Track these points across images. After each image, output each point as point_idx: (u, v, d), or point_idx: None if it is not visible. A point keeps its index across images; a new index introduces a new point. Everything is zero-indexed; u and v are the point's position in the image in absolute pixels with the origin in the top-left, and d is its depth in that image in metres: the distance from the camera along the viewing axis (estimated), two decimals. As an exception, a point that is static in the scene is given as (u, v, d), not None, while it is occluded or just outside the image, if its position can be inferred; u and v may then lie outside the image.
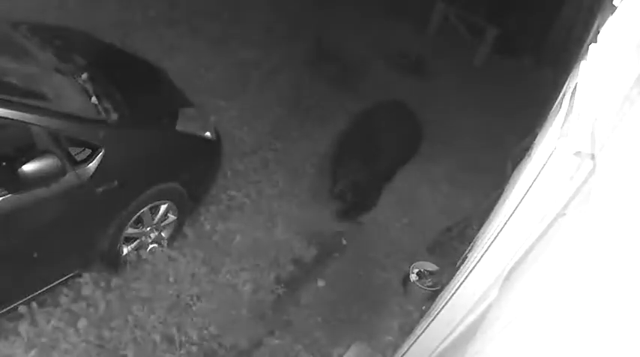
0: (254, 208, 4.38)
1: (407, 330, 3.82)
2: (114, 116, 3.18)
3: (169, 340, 3.30)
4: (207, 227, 4.06)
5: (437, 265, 4.19)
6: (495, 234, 2.40)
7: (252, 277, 3.83)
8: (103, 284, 3.45)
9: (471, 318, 2.12)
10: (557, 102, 3.46)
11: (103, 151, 2.98)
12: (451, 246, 4.47)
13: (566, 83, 3.36)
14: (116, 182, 3.08)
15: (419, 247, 4.55)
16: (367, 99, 6.10)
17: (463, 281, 2.49)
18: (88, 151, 2.99)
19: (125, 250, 3.53)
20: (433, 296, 3.93)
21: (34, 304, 3.13)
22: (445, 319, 2.53)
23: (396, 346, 3.62)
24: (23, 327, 3.07)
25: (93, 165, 2.95)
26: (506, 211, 2.52)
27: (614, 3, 2.28)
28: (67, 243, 3.15)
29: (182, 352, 3.28)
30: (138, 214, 3.40)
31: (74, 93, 3.14)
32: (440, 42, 8.02)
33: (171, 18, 6.21)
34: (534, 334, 1.16)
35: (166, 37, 5.85)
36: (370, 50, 7.04)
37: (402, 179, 5.23)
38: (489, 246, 2.38)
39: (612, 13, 2.25)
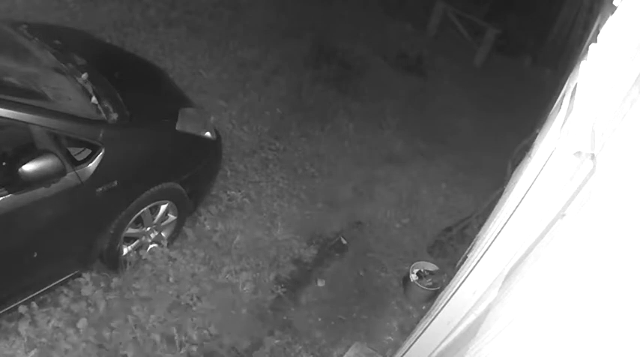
0: (254, 208, 4.38)
1: (407, 330, 3.82)
2: (114, 116, 3.17)
3: (169, 340, 3.30)
4: (207, 227, 4.06)
5: (437, 265, 4.19)
6: (495, 234, 2.40)
7: (252, 277, 3.83)
8: (103, 284, 3.45)
9: (471, 318, 2.13)
10: (557, 102, 3.47)
11: (103, 151, 2.98)
12: (451, 246, 4.48)
13: (566, 83, 3.37)
14: (116, 182, 3.08)
15: (419, 247, 4.55)
16: (367, 99, 6.13)
17: (463, 281, 2.49)
18: (88, 151, 2.99)
19: (125, 250, 3.53)
20: (433, 296, 3.93)
21: (34, 304, 3.13)
22: (445, 319, 2.53)
23: (396, 346, 3.62)
24: (23, 327, 3.07)
25: (93, 165, 2.95)
26: (506, 212, 2.52)
27: (614, 3, 2.28)
28: (67, 243, 3.15)
29: (182, 352, 3.28)
30: (138, 214, 3.39)
31: (74, 93, 3.14)
32: (440, 42, 8.03)
33: (171, 18, 6.21)
34: (534, 334, 1.16)
35: (166, 37, 5.86)
36: (370, 50, 7.04)
37: (402, 179, 5.23)
38: (489, 246, 2.38)
39: (612, 13, 2.25)
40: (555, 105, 3.47)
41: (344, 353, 3.57)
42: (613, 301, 0.94)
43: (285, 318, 3.74)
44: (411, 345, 2.89)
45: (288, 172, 4.85)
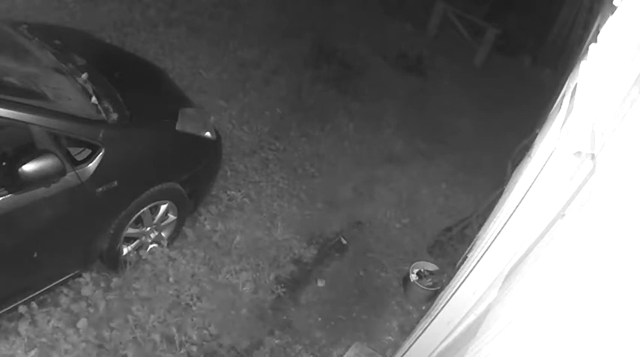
0: (254, 208, 4.38)
1: (407, 330, 3.83)
2: (114, 116, 3.17)
3: (169, 340, 3.30)
4: (207, 227, 4.06)
5: (437, 265, 4.19)
6: (495, 234, 2.40)
7: (252, 277, 3.83)
8: (103, 284, 3.45)
9: (471, 318, 2.12)
10: (557, 102, 3.47)
11: (103, 151, 2.98)
12: (451, 246, 4.48)
13: (566, 83, 3.37)
14: (116, 182, 3.08)
15: (419, 247, 4.55)
16: (367, 99, 6.12)
17: (463, 281, 2.49)
18: (88, 151, 2.99)
19: (125, 250, 3.53)
20: (433, 296, 3.93)
21: (34, 304, 3.13)
22: (445, 319, 2.53)
23: (396, 346, 3.62)
24: (23, 327, 3.07)
25: (93, 165, 2.95)
26: (506, 212, 2.52)
27: (614, 3, 2.29)
28: (67, 243, 3.15)
29: (182, 352, 3.28)
30: (138, 214, 3.39)
31: (74, 93, 3.14)
32: (440, 42, 8.03)
33: (171, 18, 6.21)
34: (534, 334, 1.16)
35: (166, 37, 5.85)
36: (370, 50, 7.04)
37: (402, 179, 5.23)
38: (489, 246, 2.38)
39: (612, 13, 2.25)
40: (555, 105, 3.47)
41: (344, 353, 3.57)
42: (613, 301, 0.94)
43: (285, 318, 3.74)
44: (411, 345, 2.89)
45: (288, 172, 4.85)
